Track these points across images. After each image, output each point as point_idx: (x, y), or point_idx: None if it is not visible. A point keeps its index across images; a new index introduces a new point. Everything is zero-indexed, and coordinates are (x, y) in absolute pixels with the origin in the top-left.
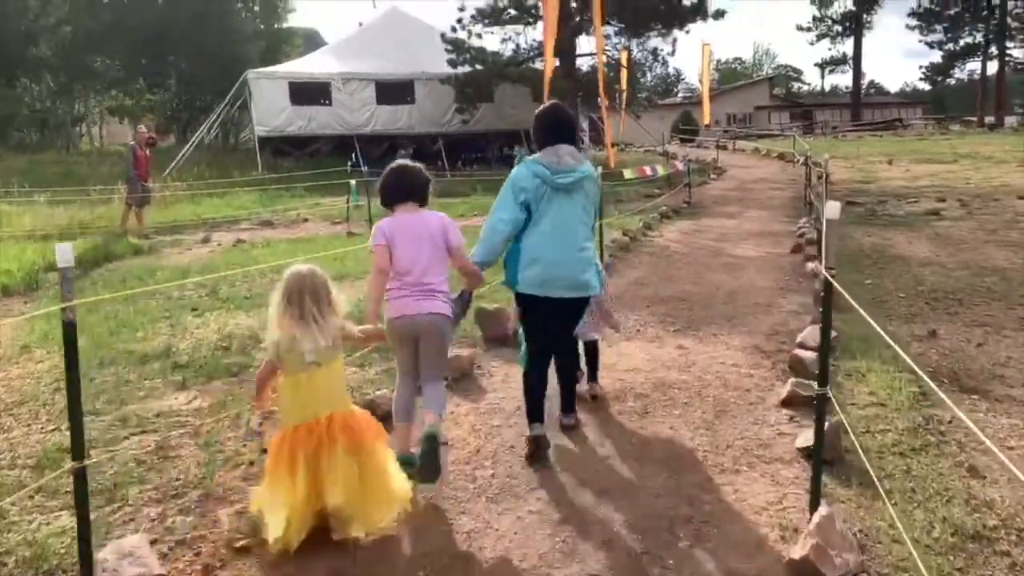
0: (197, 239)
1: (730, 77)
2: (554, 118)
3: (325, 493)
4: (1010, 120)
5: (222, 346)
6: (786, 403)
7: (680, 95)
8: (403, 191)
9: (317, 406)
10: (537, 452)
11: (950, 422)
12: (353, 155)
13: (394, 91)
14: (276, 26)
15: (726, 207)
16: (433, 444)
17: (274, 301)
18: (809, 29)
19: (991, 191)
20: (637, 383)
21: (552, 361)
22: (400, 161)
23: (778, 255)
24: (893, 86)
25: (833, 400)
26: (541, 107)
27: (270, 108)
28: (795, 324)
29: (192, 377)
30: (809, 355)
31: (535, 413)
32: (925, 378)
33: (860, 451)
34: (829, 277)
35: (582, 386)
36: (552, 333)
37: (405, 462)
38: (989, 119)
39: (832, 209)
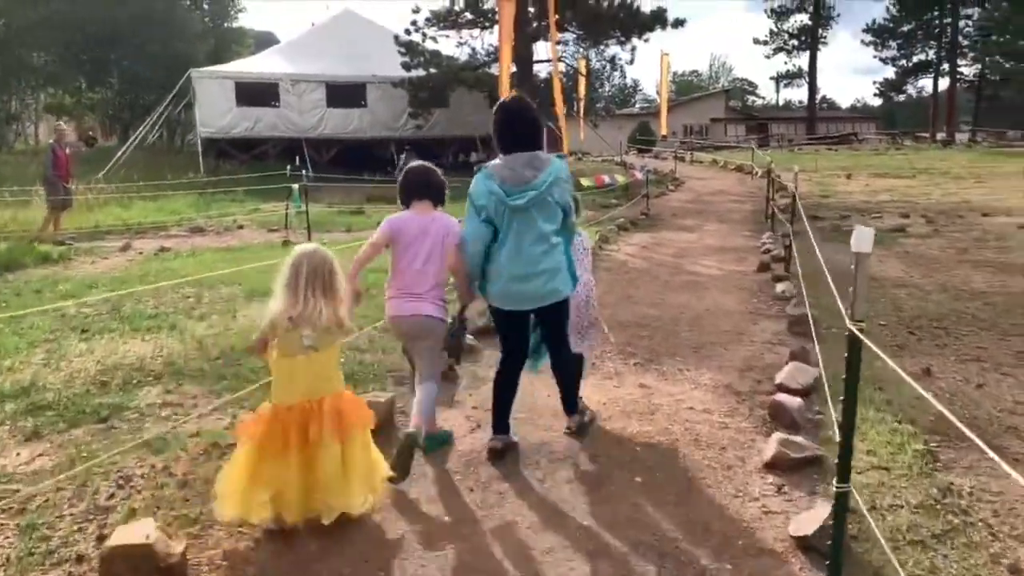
0: (117, 247)
1: (687, 89)
2: (511, 120)
3: (314, 473)
4: (960, 136)
5: (99, 381)
6: (771, 466)
7: (638, 105)
8: (420, 189)
9: (310, 389)
10: (497, 458)
11: (971, 494)
12: (297, 158)
13: (345, 94)
14: (226, 25)
15: (685, 220)
16: (410, 444)
17: (278, 279)
18: (766, 43)
19: (954, 207)
20: (593, 437)
21: (549, 361)
22: (418, 162)
23: (743, 273)
24: (844, 102)
25: (828, 462)
26: (500, 102)
27: (215, 109)
28: (770, 357)
29: (49, 423)
30: (792, 401)
31: (499, 424)
32: (974, 438)
33: (871, 539)
34: (859, 334)
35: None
36: (523, 344)
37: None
38: (940, 135)
39: (862, 239)
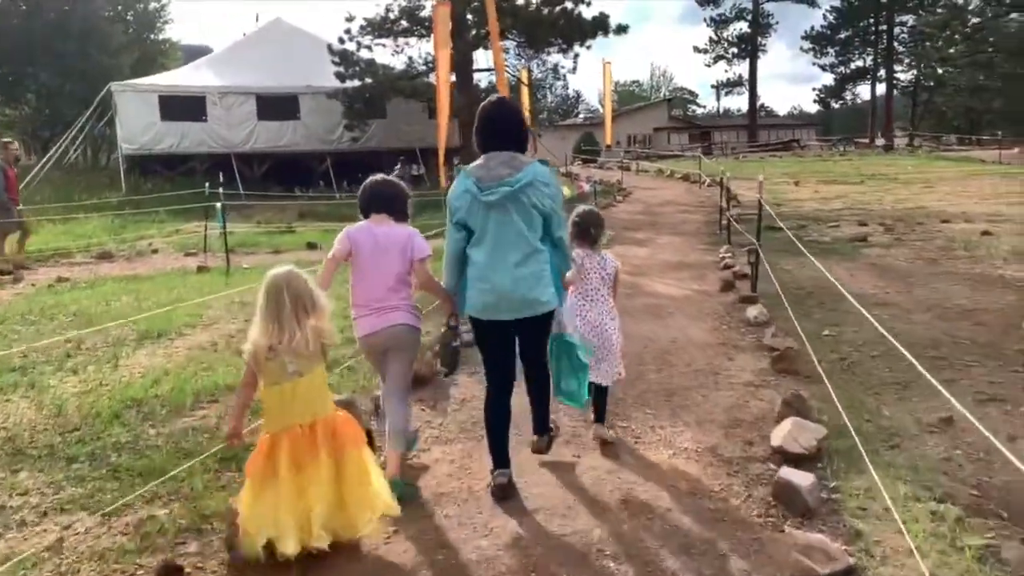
0: (9, 279)
1: (629, 99)
2: (489, 119)
3: (309, 499)
4: (898, 141)
5: None
6: None
7: (581, 116)
8: (382, 202)
9: (301, 414)
10: (502, 495)
11: None
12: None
13: (277, 106)
14: (153, 37)
15: (636, 232)
16: (400, 490)
17: (257, 306)
18: (706, 51)
19: (910, 213)
20: (536, 560)
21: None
22: (381, 175)
23: (706, 294)
24: (782, 109)
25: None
26: (482, 103)
27: (137, 124)
28: (757, 406)
29: None
30: (802, 479)
31: (499, 457)
32: None
33: None
34: None
35: (593, 430)
36: (509, 362)
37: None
38: (879, 140)
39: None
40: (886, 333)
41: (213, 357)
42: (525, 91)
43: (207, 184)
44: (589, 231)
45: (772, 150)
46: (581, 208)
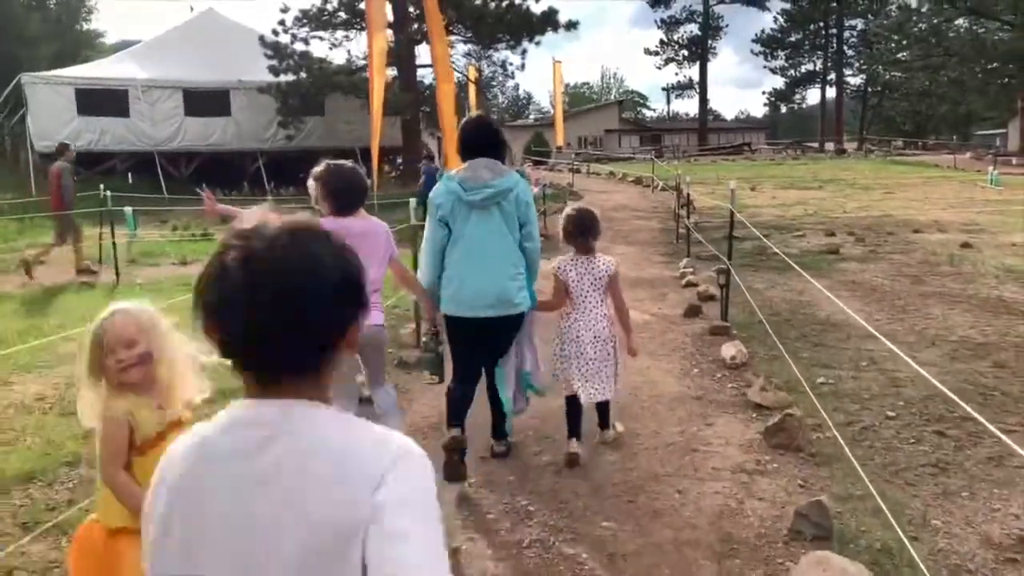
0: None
1: (579, 101)
2: (472, 131)
3: None
4: (849, 146)
5: None
6: None
7: (532, 116)
8: (355, 195)
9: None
10: (453, 452)
11: None
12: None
13: (206, 101)
14: (76, 27)
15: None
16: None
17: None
18: (657, 53)
19: (877, 222)
20: None
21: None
22: (341, 162)
23: (669, 321)
24: (729, 114)
25: None
26: (464, 119)
27: (52, 119)
28: (756, 511)
29: None
30: None
31: (455, 415)
32: None
33: None
34: None
35: (596, 436)
36: (475, 360)
37: None
38: (829, 144)
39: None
40: (942, 386)
41: (31, 421)
42: (473, 89)
43: (101, 186)
44: (584, 232)
45: (724, 154)
46: (575, 206)
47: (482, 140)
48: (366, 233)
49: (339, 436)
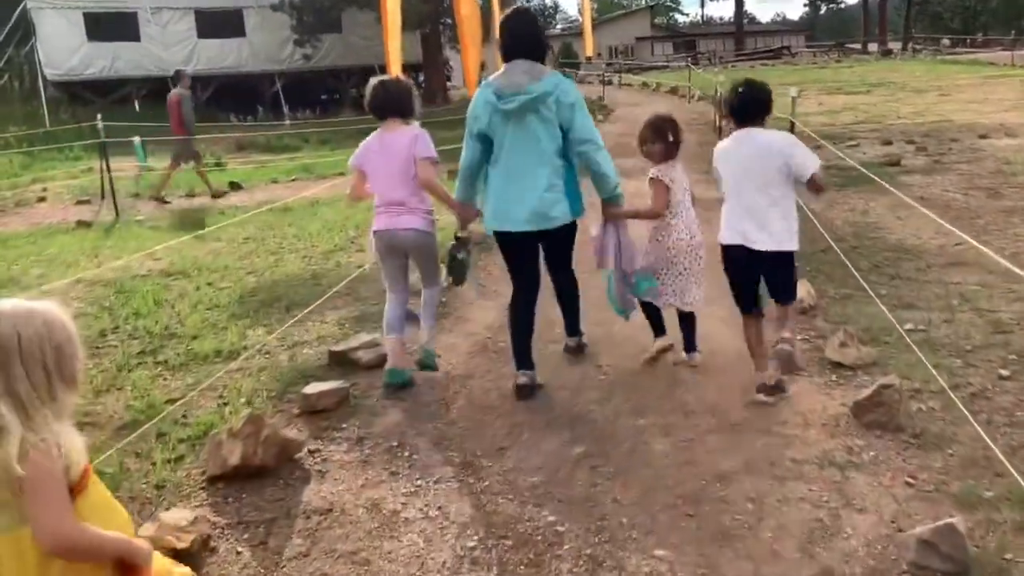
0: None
1: (609, 8)
2: (507, 29)
3: None
4: (894, 46)
5: None
6: None
7: (559, 26)
8: (387, 106)
9: None
10: (523, 395)
11: None
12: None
13: (218, 22)
14: None
15: (624, 161)
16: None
17: None
18: None
19: (936, 128)
20: None
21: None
22: (383, 77)
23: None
24: (764, 17)
25: None
26: (505, 13)
27: (61, 46)
28: (858, 527)
29: None
30: None
31: (521, 358)
32: None
33: None
34: None
35: (678, 356)
36: (527, 274)
37: (395, 376)
38: (872, 46)
39: None
40: None
41: None
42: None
43: (99, 116)
44: (667, 137)
45: (762, 59)
46: (655, 114)
47: (519, 40)
48: (387, 145)
49: None
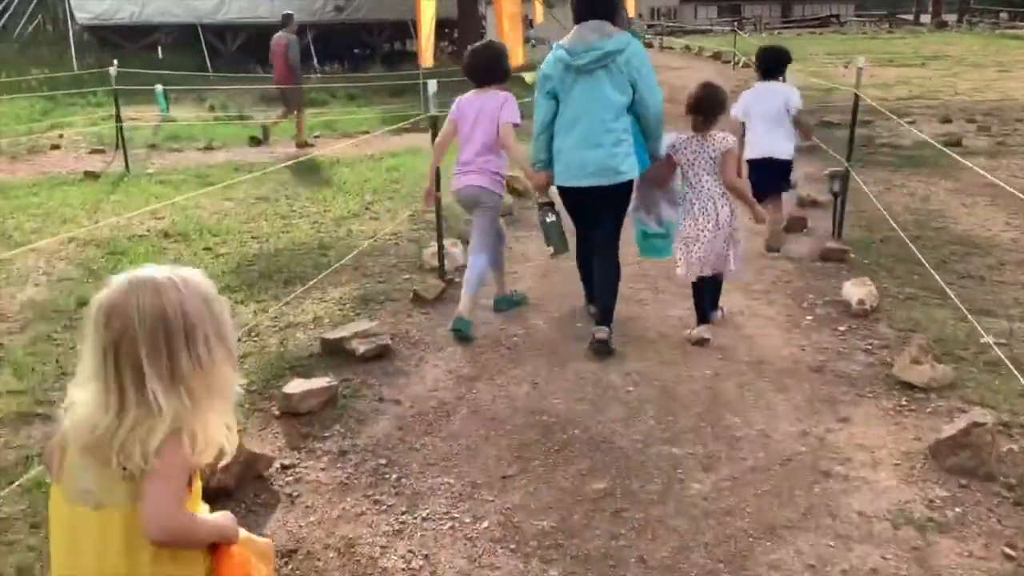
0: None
1: None
2: None
3: None
4: (948, 18)
5: None
6: None
7: None
8: (481, 72)
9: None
10: (599, 352)
11: None
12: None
13: None
14: None
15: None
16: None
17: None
18: None
19: (998, 106)
20: None
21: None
22: (479, 44)
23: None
24: None
25: None
26: None
27: None
28: None
29: None
30: None
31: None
32: None
33: None
34: None
35: (692, 334)
36: (597, 222)
37: (461, 324)
38: (924, 17)
39: None
40: None
41: None
42: None
43: (115, 62)
44: (697, 109)
45: (809, 26)
46: (702, 82)
47: (591, 1)
48: (479, 106)
49: None
